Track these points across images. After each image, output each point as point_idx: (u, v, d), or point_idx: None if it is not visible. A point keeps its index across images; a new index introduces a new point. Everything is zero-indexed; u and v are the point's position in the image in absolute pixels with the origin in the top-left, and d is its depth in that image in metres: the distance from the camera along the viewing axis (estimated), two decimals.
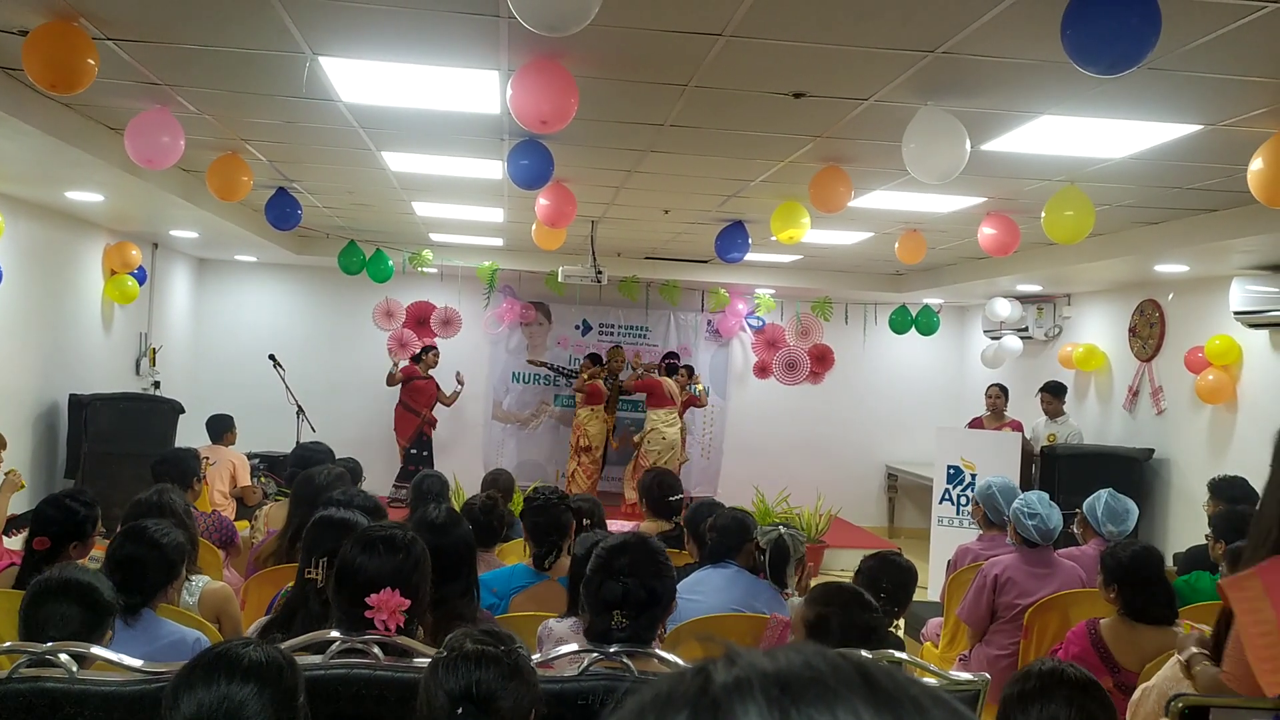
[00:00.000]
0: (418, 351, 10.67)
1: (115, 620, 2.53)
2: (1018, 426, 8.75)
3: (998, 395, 8.97)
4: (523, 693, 1.85)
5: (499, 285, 10.87)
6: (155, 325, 9.73)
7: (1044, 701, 2.09)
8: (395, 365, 10.64)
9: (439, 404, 10.54)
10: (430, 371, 10.49)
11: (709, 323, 11.60)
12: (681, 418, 10.56)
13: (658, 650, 2.51)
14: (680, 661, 2.39)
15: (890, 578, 3.76)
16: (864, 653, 2.55)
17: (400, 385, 10.40)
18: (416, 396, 10.39)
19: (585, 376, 10.50)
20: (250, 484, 7.48)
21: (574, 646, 2.43)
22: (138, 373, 9.33)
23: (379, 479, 8.21)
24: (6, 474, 5.34)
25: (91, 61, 3.53)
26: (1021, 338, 9.95)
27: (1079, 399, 9.28)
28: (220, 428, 7.44)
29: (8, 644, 2.29)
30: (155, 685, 2.05)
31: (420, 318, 10.94)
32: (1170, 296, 8.05)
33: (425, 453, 10.37)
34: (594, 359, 10.66)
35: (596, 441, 10.46)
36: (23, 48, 3.51)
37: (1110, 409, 8.88)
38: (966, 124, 3.89)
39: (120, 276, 8.56)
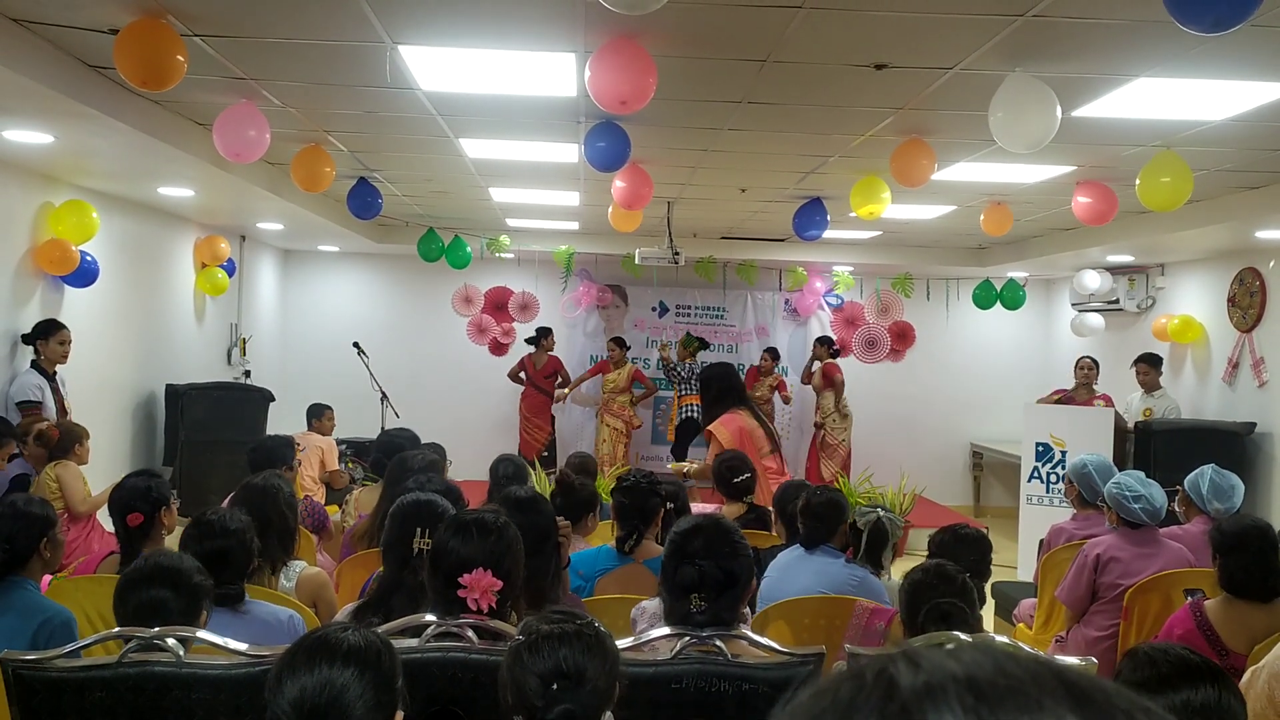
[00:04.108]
0: (534, 336, 10.40)
1: (210, 602, 2.56)
2: (1109, 401, 8.46)
3: (1090, 368, 8.71)
4: (607, 664, 1.88)
5: (575, 269, 10.88)
6: (244, 316, 9.99)
7: (1176, 691, 1.97)
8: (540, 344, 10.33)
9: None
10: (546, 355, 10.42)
11: (786, 302, 11.47)
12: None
13: (748, 632, 2.49)
14: (774, 645, 2.36)
15: (967, 551, 3.66)
16: (961, 635, 2.50)
17: (524, 387, 10.36)
18: (531, 402, 10.38)
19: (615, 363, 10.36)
20: (338, 468, 7.66)
21: (665, 630, 2.42)
22: (229, 362, 9.60)
23: (461, 466, 8.30)
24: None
25: (180, 58, 3.60)
26: (1112, 310, 9.63)
27: (1174, 372, 8.95)
28: (312, 414, 7.84)
29: (116, 629, 2.36)
30: (259, 668, 2.10)
31: (498, 303, 11.01)
32: (1271, 264, 7.71)
33: (550, 454, 10.25)
34: (618, 342, 10.45)
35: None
36: (114, 46, 3.60)
37: (1208, 382, 8.55)
38: (1057, 90, 3.75)
39: (210, 269, 8.80)
